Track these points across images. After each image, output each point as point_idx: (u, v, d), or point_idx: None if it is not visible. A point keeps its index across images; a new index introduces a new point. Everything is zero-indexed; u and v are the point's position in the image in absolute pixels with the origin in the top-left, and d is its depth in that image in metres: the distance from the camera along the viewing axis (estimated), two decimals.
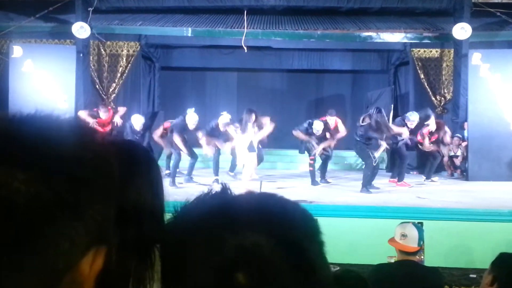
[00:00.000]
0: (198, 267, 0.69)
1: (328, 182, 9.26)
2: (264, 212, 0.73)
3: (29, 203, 0.54)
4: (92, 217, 0.60)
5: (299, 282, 0.68)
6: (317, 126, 9.03)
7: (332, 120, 9.58)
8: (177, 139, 8.79)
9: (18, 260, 0.55)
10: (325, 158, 9.41)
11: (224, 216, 0.72)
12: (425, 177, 9.70)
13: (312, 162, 9.09)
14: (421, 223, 4.63)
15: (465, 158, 10.21)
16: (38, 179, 0.55)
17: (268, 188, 8.00)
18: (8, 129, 0.58)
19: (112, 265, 0.94)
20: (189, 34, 10.87)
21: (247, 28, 10.43)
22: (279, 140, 10.73)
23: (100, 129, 9.36)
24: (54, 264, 0.57)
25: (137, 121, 9.16)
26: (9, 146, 0.56)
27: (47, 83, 10.21)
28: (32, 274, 0.56)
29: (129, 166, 1.08)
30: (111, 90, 11.54)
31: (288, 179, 9.35)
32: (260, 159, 8.97)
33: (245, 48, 10.44)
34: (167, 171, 9.24)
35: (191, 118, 8.86)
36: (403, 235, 3.84)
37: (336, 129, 9.53)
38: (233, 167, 9.51)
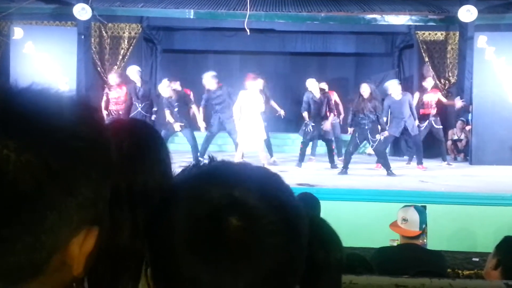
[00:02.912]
0: (184, 218, 0.66)
1: (337, 167, 8.89)
2: (254, 176, 0.70)
3: (18, 171, 0.52)
4: (84, 193, 0.57)
5: (284, 238, 0.66)
6: (310, 85, 9.00)
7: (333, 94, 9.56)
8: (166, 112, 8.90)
9: (4, 232, 0.52)
10: (327, 143, 9.34)
11: (210, 175, 0.70)
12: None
13: (302, 146, 9.11)
14: (424, 206, 4.59)
15: (468, 142, 10.15)
16: (30, 148, 0.53)
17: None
18: (3, 99, 0.56)
19: (123, 245, 0.94)
20: (191, 16, 10.77)
21: (250, 10, 10.31)
22: (282, 123, 10.67)
23: (114, 108, 9.52)
24: (42, 240, 0.54)
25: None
26: (2, 115, 0.54)
27: (48, 65, 10.15)
28: (18, 250, 0.53)
29: (139, 146, 1.09)
30: (112, 72, 11.46)
31: (292, 162, 9.31)
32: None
33: (248, 30, 10.33)
34: None
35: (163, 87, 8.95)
36: (404, 219, 3.81)
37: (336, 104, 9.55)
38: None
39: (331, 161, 9.12)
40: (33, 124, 0.55)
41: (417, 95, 9.69)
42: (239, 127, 8.51)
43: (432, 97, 9.68)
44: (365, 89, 8.31)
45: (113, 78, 9.89)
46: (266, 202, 0.66)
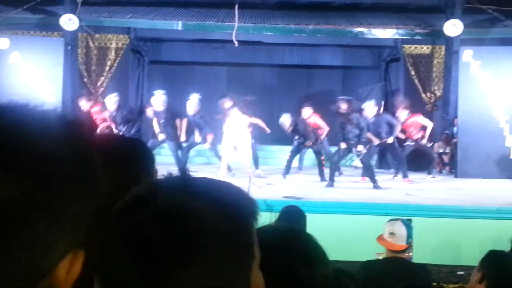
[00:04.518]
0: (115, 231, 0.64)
1: (326, 181, 8.74)
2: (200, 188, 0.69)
3: (2, 206, 0.51)
4: (69, 220, 0.56)
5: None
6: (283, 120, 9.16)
7: (307, 113, 9.51)
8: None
9: None
10: (316, 155, 9.36)
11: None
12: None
13: (290, 154, 9.22)
14: (410, 220, 4.60)
15: (454, 155, 10.22)
16: (11, 181, 0.52)
17: (257, 183, 7.95)
18: None
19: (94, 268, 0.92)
20: (179, 28, 10.78)
21: (238, 23, 10.35)
22: (269, 135, 10.67)
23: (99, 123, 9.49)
24: (29, 268, 0.54)
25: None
26: None
27: (34, 76, 10.07)
28: (5, 277, 0.53)
29: (131, 163, 1.10)
30: (99, 83, 11.41)
31: (278, 175, 9.30)
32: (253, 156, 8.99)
33: (236, 42, 10.36)
34: None
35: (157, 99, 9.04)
36: (392, 233, 3.80)
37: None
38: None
39: (321, 174, 9.13)
40: (17, 151, 0.53)
41: (404, 113, 9.45)
42: (224, 141, 8.50)
43: (414, 123, 9.54)
44: (342, 106, 8.45)
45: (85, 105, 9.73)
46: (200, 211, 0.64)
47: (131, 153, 1.15)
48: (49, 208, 0.54)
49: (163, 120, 9.02)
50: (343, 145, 8.55)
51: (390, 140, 9.05)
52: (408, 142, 9.60)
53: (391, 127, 9.11)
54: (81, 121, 0.64)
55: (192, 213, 0.63)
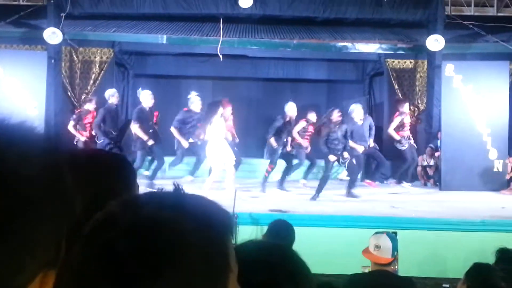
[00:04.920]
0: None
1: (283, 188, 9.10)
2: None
3: None
4: (39, 240, 0.55)
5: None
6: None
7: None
8: (134, 126, 8.73)
9: None
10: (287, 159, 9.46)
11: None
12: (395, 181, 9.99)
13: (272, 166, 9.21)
14: (395, 233, 4.61)
15: (438, 168, 10.32)
16: None
17: (243, 197, 7.91)
18: None
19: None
20: (164, 42, 10.78)
21: (223, 37, 10.39)
22: (255, 149, 10.66)
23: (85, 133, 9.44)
24: None
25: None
26: None
27: (17, 90, 9.98)
28: None
29: (112, 179, 1.09)
30: (83, 97, 11.33)
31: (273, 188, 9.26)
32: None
33: (221, 56, 10.39)
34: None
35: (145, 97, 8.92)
36: (377, 246, 3.81)
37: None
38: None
39: (283, 177, 9.25)
40: None
41: (398, 118, 9.92)
42: (208, 151, 8.42)
43: (409, 119, 10.14)
44: (335, 114, 8.52)
45: (89, 105, 9.91)
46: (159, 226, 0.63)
47: (112, 169, 1.14)
48: (18, 230, 0.52)
49: (151, 123, 8.91)
50: (332, 158, 8.52)
51: (371, 143, 9.43)
52: (404, 144, 9.79)
53: (370, 132, 9.58)
54: (54, 137, 0.62)
55: (164, 225, 0.62)
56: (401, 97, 11.36)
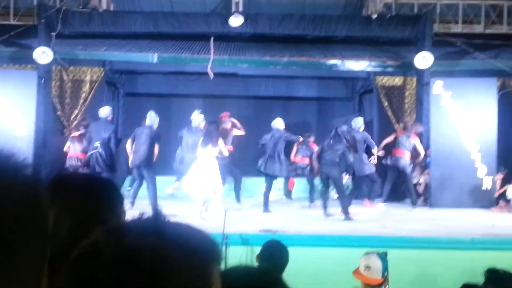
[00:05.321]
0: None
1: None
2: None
3: None
4: (16, 269, 0.54)
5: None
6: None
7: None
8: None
9: None
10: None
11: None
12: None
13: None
14: (386, 253, 4.59)
15: (427, 186, 10.33)
16: None
17: (233, 216, 7.86)
18: None
19: None
20: (155, 60, 10.80)
21: (213, 55, 10.43)
22: (246, 167, 10.63)
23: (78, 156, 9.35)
24: None
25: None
26: None
27: (6, 109, 9.93)
28: None
29: (98, 205, 1.09)
30: (73, 116, 11.28)
31: (254, 208, 9.25)
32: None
33: (211, 74, 10.42)
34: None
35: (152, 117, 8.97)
36: (367, 267, 3.80)
37: None
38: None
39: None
40: None
41: (393, 136, 9.97)
42: (191, 170, 8.29)
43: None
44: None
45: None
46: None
47: (98, 194, 1.13)
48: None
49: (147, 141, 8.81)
50: (346, 177, 8.66)
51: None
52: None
53: (367, 145, 9.53)
54: (39, 166, 0.62)
55: (146, 253, 0.63)
56: (391, 114, 11.45)
